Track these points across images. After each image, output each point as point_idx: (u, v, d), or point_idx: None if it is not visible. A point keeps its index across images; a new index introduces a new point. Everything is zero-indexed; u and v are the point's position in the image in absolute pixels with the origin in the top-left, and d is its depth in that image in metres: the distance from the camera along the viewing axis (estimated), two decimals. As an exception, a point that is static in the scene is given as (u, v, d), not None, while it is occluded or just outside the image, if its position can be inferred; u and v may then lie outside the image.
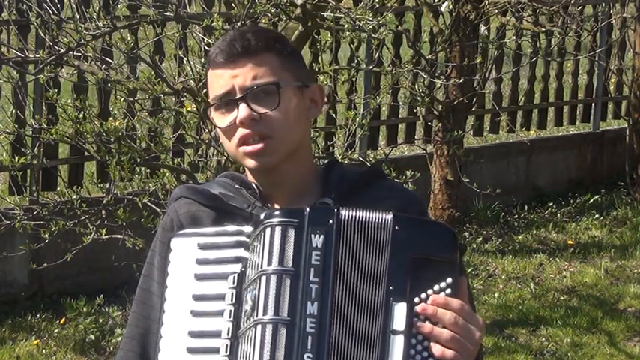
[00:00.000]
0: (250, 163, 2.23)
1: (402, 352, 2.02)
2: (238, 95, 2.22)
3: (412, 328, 2.04)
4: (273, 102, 2.21)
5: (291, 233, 2.07)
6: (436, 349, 2.03)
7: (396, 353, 2.02)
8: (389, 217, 2.09)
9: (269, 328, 2.02)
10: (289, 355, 2.01)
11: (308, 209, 2.10)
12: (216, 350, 2.10)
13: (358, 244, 2.08)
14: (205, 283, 2.16)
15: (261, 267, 2.07)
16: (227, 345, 2.09)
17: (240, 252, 2.14)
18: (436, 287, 2.06)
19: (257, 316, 2.04)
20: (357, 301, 2.05)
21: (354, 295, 2.05)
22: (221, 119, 2.26)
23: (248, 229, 2.15)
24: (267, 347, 2.01)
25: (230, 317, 2.10)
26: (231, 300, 2.11)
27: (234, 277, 2.12)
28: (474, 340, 2.06)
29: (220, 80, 2.25)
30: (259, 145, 2.21)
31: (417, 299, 2.05)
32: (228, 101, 2.23)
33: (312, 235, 2.07)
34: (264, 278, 2.06)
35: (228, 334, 2.09)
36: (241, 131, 2.22)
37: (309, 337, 2.02)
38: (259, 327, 2.03)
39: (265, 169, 2.24)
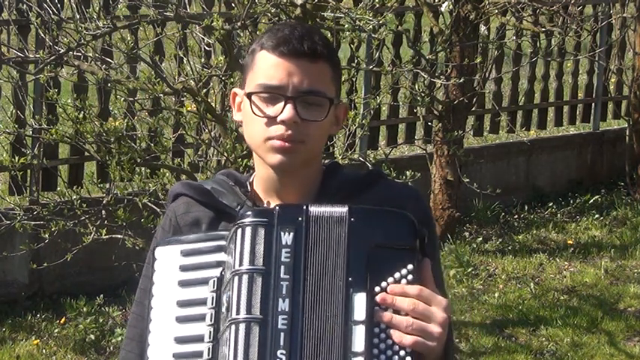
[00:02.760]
0: (274, 157, 2.22)
1: (364, 341, 2.04)
2: (290, 93, 2.20)
3: (373, 317, 2.06)
4: (319, 113, 2.22)
5: (262, 232, 2.10)
6: (396, 336, 2.06)
7: (358, 343, 2.04)
8: (344, 209, 2.12)
9: (242, 327, 2.05)
10: (263, 353, 2.03)
11: (277, 208, 2.13)
12: (200, 354, 2.12)
13: (322, 239, 2.10)
14: (189, 289, 2.18)
15: (234, 267, 2.10)
16: (209, 348, 2.11)
17: (221, 256, 2.17)
18: (397, 275, 2.09)
19: (231, 316, 2.07)
20: (323, 294, 2.07)
21: (320, 289, 2.08)
22: (261, 106, 2.23)
23: (228, 232, 2.18)
24: (240, 346, 2.04)
25: (211, 321, 2.12)
26: (212, 304, 2.13)
27: (214, 280, 2.15)
28: (437, 322, 2.08)
29: (277, 71, 2.21)
30: (290, 144, 2.21)
31: (377, 288, 2.08)
32: (277, 95, 2.21)
33: (282, 233, 2.09)
34: (236, 278, 2.08)
35: (210, 338, 2.11)
36: (279, 128, 2.20)
37: (282, 333, 2.04)
38: (233, 327, 2.06)
39: (285, 168, 2.24)
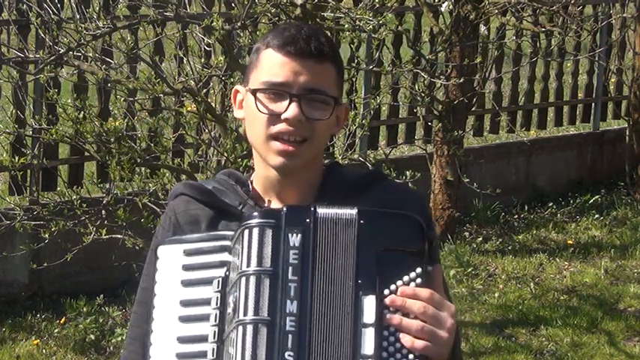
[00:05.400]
0: (277, 160, 2.22)
1: (373, 344, 2.04)
2: (295, 91, 2.20)
3: (382, 320, 2.05)
4: (323, 113, 2.22)
5: (269, 233, 2.09)
6: (406, 339, 2.05)
7: (367, 346, 2.04)
8: (353, 211, 2.11)
9: (250, 329, 2.04)
10: (270, 355, 2.02)
11: (285, 209, 2.11)
12: (204, 354, 2.11)
13: (331, 241, 2.10)
14: (192, 289, 2.17)
15: (241, 268, 2.09)
16: (214, 349, 2.10)
17: (225, 256, 2.16)
18: (406, 278, 2.08)
19: (238, 317, 2.06)
20: (332, 297, 2.07)
21: (329, 291, 2.07)
22: (266, 103, 2.22)
23: (232, 233, 2.17)
24: (248, 347, 2.03)
25: (216, 321, 2.12)
26: (217, 304, 2.13)
27: (218, 281, 2.14)
28: (446, 327, 2.08)
29: (282, 69, 2.21)
30: (293, 147, 2.20)
31: (386, 291, 2.07)
32: (282, 92, 2.21)
33: (290, 235, 2.08)
34: (243, 279, 2.08)
35: (214, 338, 2.11)
36: (283, 126, 2.20)
37: (290, 335, 2.03)
38: (240, 328, 2.05)
39: (287, 170, 2.24)
